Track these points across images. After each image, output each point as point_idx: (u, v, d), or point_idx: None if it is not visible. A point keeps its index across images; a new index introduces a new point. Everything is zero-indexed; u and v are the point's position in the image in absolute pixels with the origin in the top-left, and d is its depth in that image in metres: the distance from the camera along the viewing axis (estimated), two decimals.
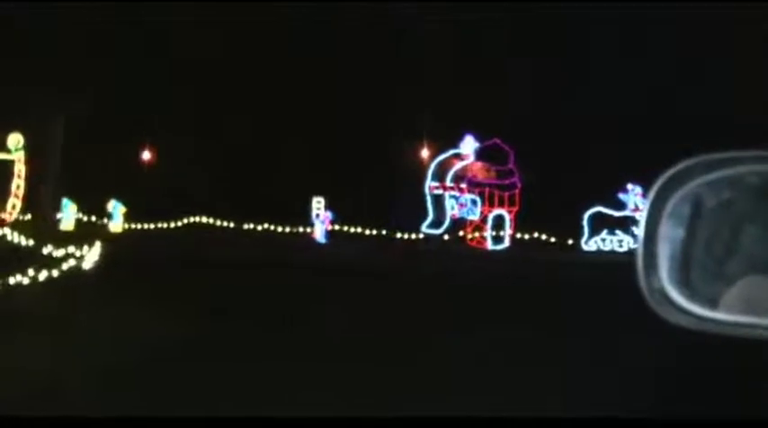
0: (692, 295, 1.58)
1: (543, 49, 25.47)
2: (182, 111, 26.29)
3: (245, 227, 26.53)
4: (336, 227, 26.28)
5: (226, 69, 26.14)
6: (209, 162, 26.38)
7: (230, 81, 26.27)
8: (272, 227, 26.62)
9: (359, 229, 26.46)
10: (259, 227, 26.56)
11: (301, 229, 26.54)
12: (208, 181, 26.29)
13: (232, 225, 26.67)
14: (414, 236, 25.82)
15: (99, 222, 25.83)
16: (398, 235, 26.08)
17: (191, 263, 16.21)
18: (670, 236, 1.60)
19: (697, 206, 1.60)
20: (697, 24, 21.75)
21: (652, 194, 1.60)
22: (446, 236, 25.58)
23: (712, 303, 1.57)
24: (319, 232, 25.93)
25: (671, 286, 1.58)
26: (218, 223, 26.71)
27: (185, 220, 26.54)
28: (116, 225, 25.92)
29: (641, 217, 1.62)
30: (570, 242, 25.48)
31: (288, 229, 26.64)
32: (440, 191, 25.66)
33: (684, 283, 1.59)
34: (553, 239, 25.82)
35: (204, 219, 26.72)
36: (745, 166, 1.56)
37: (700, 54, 23.04)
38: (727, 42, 22.12)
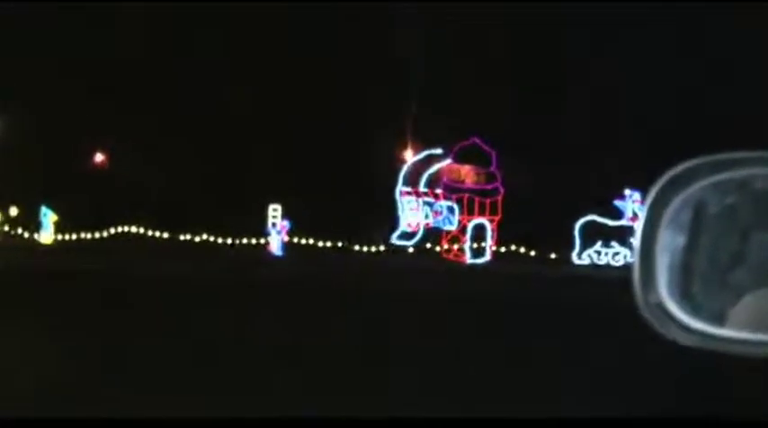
0: (695, 310, 1.59)
1: (529, 41, 25.82)
2: (117, 108, 26.35)
3: (182, 237, 26.58)
4: (295, 239, 26.35)
5: (165, 64, 26.55)
6: (142, 164, 26.49)
7: (169, 74, 26.55)
8: (216, 239, 26.68)
9: (320, 241, 26.54)
10: (198, 238, 26.66)
11: (254, 241, 26.69)
12: (140, 185, 26.38)
13: (166, 235, 26.66)
14: (382, 248, 25.96)
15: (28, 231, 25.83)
16: (365, 247, 26.22)
17: (106, 279, 16.11)
18: (669, 244, 1.61)
19: (699, 212, 1.62)
20: (698, 21, 22.49)
21: (649, 199, 1.61)
22: (418, 248, 25.70)
23: (717, 319, 1.58)
24: (276, 244, 25.89)
25: (670, 300, 1.59)
26: (150, 233, 26.68)
27: (112, 230, 26.54)
28: (47, 235, 25.90)
29: (638, 224, 1.64)
30: (560, 255, 25.60)
31: (236, 241, 26.75)
32: (412, 198, 25.77)
33: (686, 297, 1.60)
34: (540, 252, 25.92)
35: (134, 229, 26.68)
36: (753, 168, 1.57)
37: (701, 51, 23.49)
38: (731, 40, 22.56)
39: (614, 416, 6.52)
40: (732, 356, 1.54)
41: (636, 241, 1.62)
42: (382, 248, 25.84)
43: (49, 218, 26.02)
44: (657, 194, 1.60)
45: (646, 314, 1.58)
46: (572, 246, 25.33)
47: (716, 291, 1.61)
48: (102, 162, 28.15)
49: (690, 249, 1.62)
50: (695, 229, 1.62)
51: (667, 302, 1.59)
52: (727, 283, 1.60)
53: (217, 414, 6.85)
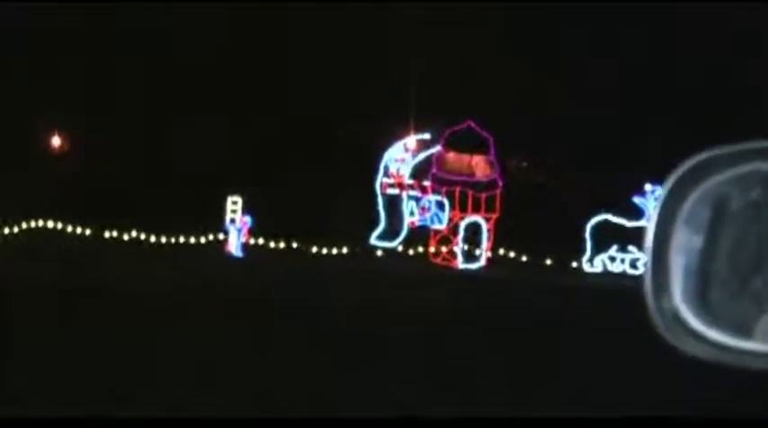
0: (713, 319, 1.67)
1: (531, 10, 25.99)
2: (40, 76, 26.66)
3: (108, 235, 26.35)
4: (254, 240, 26.30)
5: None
6: (65, 142, 26.88)
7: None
8: (159, 237, 26.49)
9: (284, 241, 26.41)
10: (128, 236, 26.48)
11: (209, 238, 26.53)
12: (64, 169, 26.24)
13: (88, 232, 26.37)
14: (359, 250, 25.91)
15: None
16: (339, 249, 26.16)
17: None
18: (685, 245, 1.70)
19: (719, 209, 1.69)
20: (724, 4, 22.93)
21: (664, 193, 1.70)
22: (402, 250, 25.75)
23: (737, 329, 1.66)
24: (234, 243, 25.81)
25: (686, 307, 1.68)
26: (70, 229, 26.37)
27: (24, 225, 26.17)
28: None
29: (650, 221, 1.72)
30: (567, 262, 25.68)
31: (185, 239, 26.59)
32: (395, 191, 25.77)
33: (703, 304, 1.68)
34: (544, 258, 25.94)
35: (50, 224, 26.38)
36: None
37: (729, 32, 24.18)
38: (760, 23, 22.84)
39: (614, 416, 7.02)
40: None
41: (648, 241, 1.71)
42: (359, 250, 25.87)
43: None
44: (672, 189, 1.70)
45: (658, 322, 1.68)
46: (582, 251, 25.45)
47: (737, 298, 1.68)
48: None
49: (708, 251, 1.69)
50: (714, 228, 1.70)
51: (682, 309, 1.68)
52: (750, 289, 1.67)
53: None
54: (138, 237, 26.37)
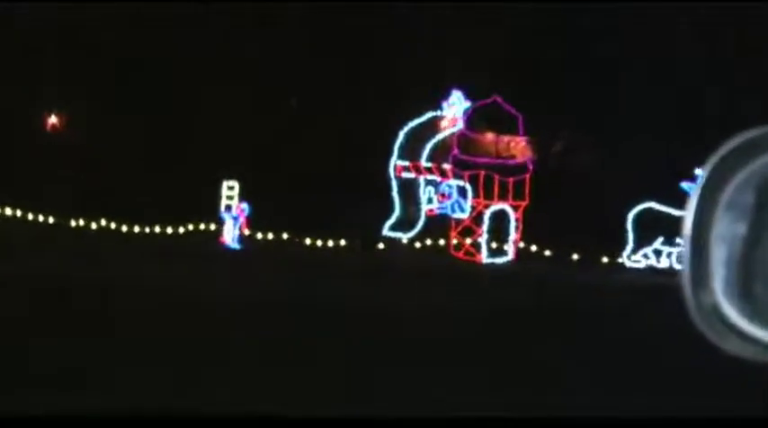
0: (758, 315, 1.72)
1: None
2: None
3: (80, 223, 26.50)
4: (255, 229, 26.32)
5: None
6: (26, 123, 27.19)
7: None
8: (143, 228, 26.56)
9: (285, 232, 26.46)
10: (108, 224, 26.48)
11: (201, 228, 26.71)
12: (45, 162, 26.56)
13: (51, 220, 26.54)
14: (371, 242, 25.94)
15: None
16: (348, 240, 26.20)
17: None
18: (727, 234, 1.75)
19: (764, 193, 1.73)
20: None
21: (704, 177, 1.75)
22: (418, 243, 25.86)
23: None
24: (230, 234, 25.88)
25: (728, 302, 1.73)
26: (31, 217, 26.61)
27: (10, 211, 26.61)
28: None
29: (688, 207, 1.77)
30: (606, 255, 25.80)
31: (175, 229, 26.71)
32: (411, 175, 25.87)
33: (747, 298, 1.73)
34: (579, 251, 25.88)
35: (9, 211, 26.70)
36: None
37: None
38: None
39: (614, 416, 7.70)
40: None
41: (686, 229, 1.77)
42: (371, 242, 25.94)
43: None
44: (712, 171, 1.75)
45: (697, 319, 1.74)
46: (623, 243, 25.54)
47: None
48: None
49: (752, 239, 1.73)
50: (759, 215, 1.73)
51: (724, 304, 1.74)
52: None
53: None
54: (118, 228, 26.47)
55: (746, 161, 1.73)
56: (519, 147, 25.89)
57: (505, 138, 25.84)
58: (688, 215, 1.78)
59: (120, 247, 23.97)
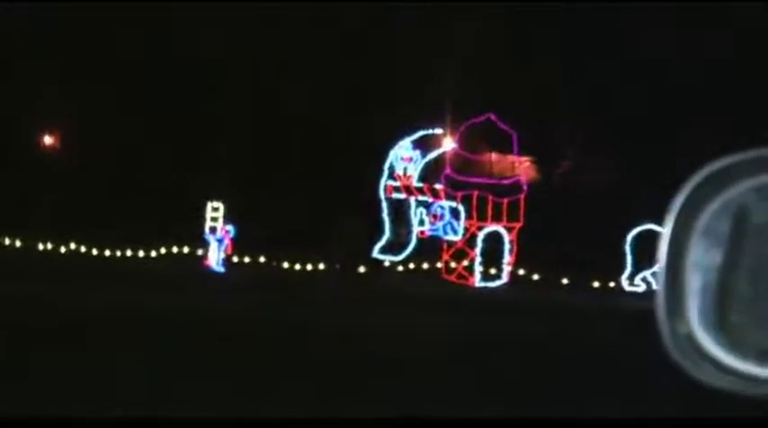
0: (733, 344, 1.77)
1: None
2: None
3: (57, 246, 26.58)
4: (240, 252, 26.39)
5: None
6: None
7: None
8: (125, 251, 26.59)
9: (271, 255, 26.55)
10: (86, 249, 26.55)
11: (185, 250, 26.86)
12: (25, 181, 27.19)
13: (18, 244, 26.70)
14: (359, 264, 26.04)
15: None
16: (335, 264, 26.27)
17: None
18: (703, 261, 1.79)
19: (741, 220, 1.78)
20: None
21: (678, 203, 1.80)
22: (410, 265, 25.96)
23: (762, 356, 1.75)
24: (214, 256, 25.87)
25: (704, 331, 1.77)
26: (8, 242, 26.90)
27: None
28: None
29: (663, 234, 1.82)
30: (604, 279, 25.79)
31: (157, 251, 26.83)
32: (401, 195, 25.73)
33: (723, 328, 1.78)
34: (576, 275, 25.87)
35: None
36: None
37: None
38: None
39: (614, 416, 7.80)
40: None
41: (660, 256, 1.82)
42: (360, 265, 25.98)
43: None
44: (688, 197, 1.80)
45: (671, 348, 1.79)
46: (621, 267, 25.64)
47: (761, 321, 1.77)
48: None
49: (729, 267, 1.79)
50: (736, 242, 1.79)
51: (699, 333, 1.79)
52: None
53: None
54: (95, 251, 26.64)
55: (722, 188, 1.77)
56: (512, 166, 26.04)
57: (499, 157, 26.03)
58: (663, 242, 1.80)
59: (106, 271, 23.99)
